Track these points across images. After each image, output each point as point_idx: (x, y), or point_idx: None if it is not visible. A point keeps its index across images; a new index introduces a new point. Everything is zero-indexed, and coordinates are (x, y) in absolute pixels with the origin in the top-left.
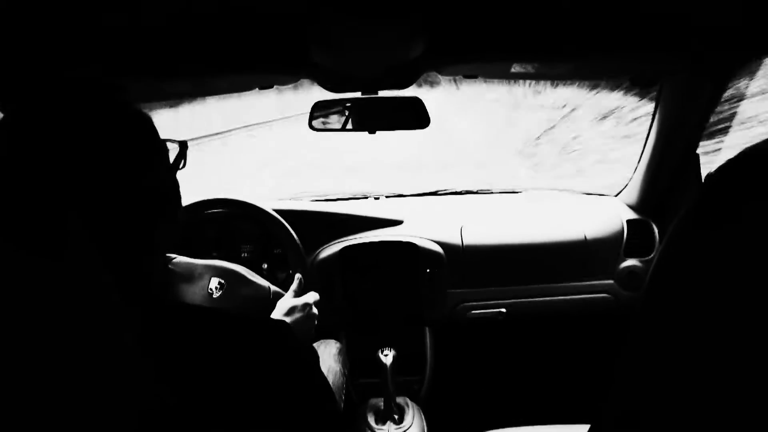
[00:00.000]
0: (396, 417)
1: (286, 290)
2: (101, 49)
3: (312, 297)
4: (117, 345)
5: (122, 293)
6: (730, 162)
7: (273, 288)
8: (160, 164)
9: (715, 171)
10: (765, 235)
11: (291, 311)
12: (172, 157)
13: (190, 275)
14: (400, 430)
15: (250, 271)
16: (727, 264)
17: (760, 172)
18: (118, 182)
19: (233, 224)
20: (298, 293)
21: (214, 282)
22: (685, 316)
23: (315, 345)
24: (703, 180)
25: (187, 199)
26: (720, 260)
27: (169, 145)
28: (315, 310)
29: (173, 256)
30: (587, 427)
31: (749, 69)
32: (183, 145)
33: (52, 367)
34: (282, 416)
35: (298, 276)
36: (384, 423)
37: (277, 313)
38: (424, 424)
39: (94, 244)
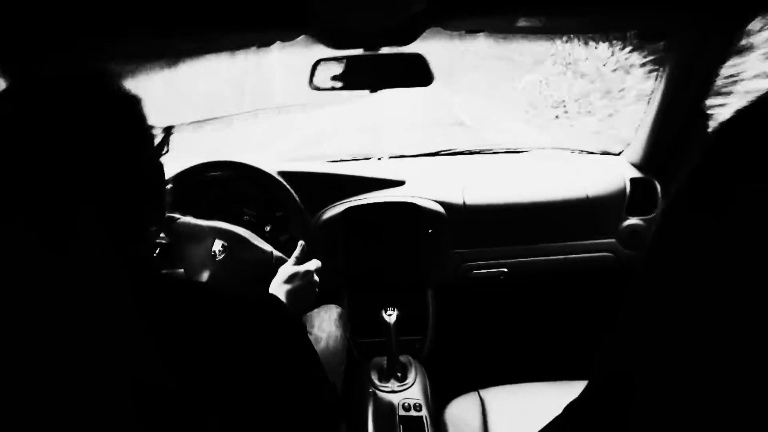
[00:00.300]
0: (399, 375)
1: (288, 253)
2: (102, 5)
3: (314, 264)
4: (123, 329)
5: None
6: (738, 115)
7: (276, 253)
8: (146, 150)
9: (722, 128)
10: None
11: (292, 278)
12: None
13: (194, 236)
14: (402, 387)
15: (254, 235)
16: (725, 237)
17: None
18: (107, 170)
19: (236, 186)
20: (301, 260)
21: (218, 244)
22: (683, 285)
23: (315, 310)
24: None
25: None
26: (718, 230)
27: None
28: (316, 278)
29: (177, 216)
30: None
31: (759, 23)
32: (167, 131)
33: (55, 349)
34: (272, 399)
35: (301, 243)
36: (387, 380)
37: (278, 280)
38: (427, 381)
39: (106, 232)
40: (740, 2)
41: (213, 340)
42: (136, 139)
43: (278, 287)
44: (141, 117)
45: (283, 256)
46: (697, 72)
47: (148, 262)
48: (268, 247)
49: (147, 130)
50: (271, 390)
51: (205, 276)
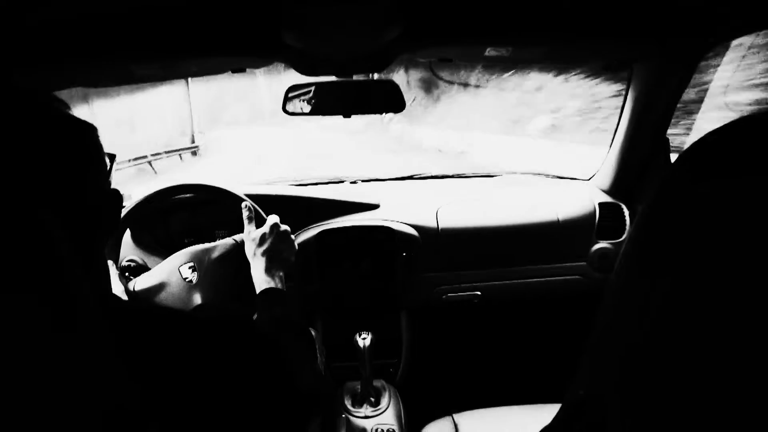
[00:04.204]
0: (372, 399)
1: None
2: (70, 32)
3: (274, 218)
4: (90, 350)
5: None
6: (695, 145)
7: (237, 237)
8: (100, 174)
9: (682, 155)
10: (730, 216)
11: (262, 240)
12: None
13: (160, 284)
14: (376, 412)
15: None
16: (693, 247)
17: (725, 152)
18: (63, 193)
19: (206, 209)
20: (255, 219)
21: (185, 270)
22: (651, 299)
23: None
24: (671, 162)
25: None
26: (686, 242)
27: None
28: (284, 227)
29: (131, 286)
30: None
31: (717, 53)
32: (111, 157)
33: (24, 370)
34: (240, 418)
35: (245, 204)
36: (361, 405)
37: (250, 248)
38: (401, 406)
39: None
40: (700, 32)
41: (180, 365)
42: (86, 164)
43: (254, 253)
44: (93, 143)
45: (243, 235)
46: (661, 99)
47: (106, 290)
48: (227, 240)
49: (99, 157)
50: (239, 409)
51: (198, 302)
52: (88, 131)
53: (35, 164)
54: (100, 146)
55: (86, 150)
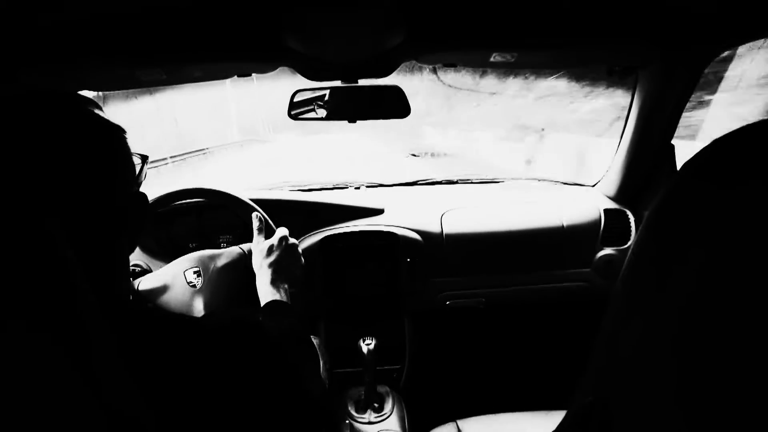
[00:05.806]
0: (376, 405)
1: None
2: (78, 36)
3: (283, 231)
4: (95, 355)
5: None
6: (702, 152)
7: (244, 246)
8: (127, 177)
9: (688, 161)
10: (738, 224)
11: (269, 252)
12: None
13: (164, 286)
14: (380, 417)
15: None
16: (703, 251)
17: (730, 161)
18: (88, 195)
19: (210, 214)
20: (264, 230)
21: (190, 274)
22: (658, 304)
23: None
24: (678, 169)
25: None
26: (695, 246)
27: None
28: (293, 240)
29: (135, 285)
30: (564, 413)
31: (722, 58)
32: (144, 159)
33: (26, 377)
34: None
35: (255, 214)
36: (364, 411)
37: (258, 259)
38: (404, 411)
39: (72, 251)
40: (704, 38)
41: (190, 370)
42: (113, 166)
43: (260, 265)
44: (121, 145)
45: (250, 245)
46: (665, 105)
47: (123, 294)
48: (233, 248)
49: (126, 159)
50: (250, 415)
51: (200, 307)
52: (116, 133)
53: (58, 165)
54: (127, 148)
55: (114, 151)
